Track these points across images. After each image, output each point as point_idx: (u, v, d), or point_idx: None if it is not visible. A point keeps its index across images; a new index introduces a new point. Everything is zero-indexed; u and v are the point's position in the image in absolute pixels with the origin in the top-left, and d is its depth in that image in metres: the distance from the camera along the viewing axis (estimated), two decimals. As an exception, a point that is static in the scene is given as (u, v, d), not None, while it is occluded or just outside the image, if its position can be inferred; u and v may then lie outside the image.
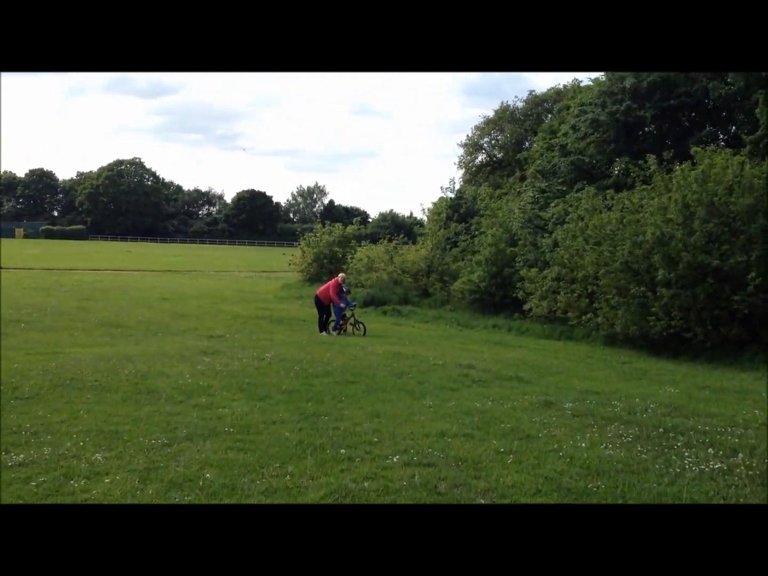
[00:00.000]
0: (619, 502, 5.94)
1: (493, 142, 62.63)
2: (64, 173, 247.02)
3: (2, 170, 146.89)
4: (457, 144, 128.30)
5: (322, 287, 20.56)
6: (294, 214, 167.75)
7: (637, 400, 10.44)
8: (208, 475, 6.44)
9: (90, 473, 6.50)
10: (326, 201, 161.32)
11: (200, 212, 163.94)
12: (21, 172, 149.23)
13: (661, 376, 13.95)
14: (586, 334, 20.28)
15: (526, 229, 26.33)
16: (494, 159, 61.46)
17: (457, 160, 67.40)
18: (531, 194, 29.53)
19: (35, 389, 10.19)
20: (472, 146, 62.32)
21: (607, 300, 18.95)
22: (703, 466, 6.92)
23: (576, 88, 39.75)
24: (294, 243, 39.32)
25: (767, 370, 14.53)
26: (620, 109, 26.86)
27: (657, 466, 6.93)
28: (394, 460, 7.03)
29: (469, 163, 62.49)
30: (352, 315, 20.05)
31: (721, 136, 27.27)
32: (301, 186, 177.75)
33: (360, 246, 37.89)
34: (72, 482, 6.22)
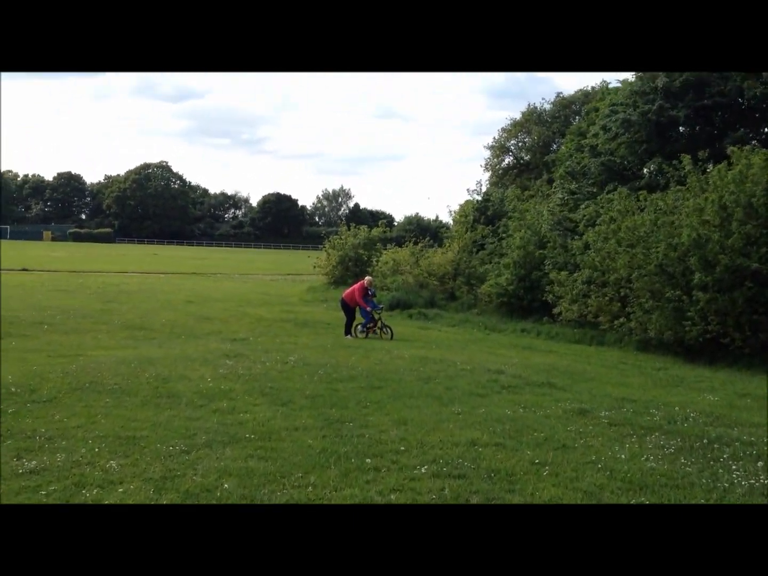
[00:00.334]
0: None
1: (519, 144, 62.21)
2: (92, 177, 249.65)
3: (30, 174, 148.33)
4: (484, 146, 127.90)
5: (348, 290, 20.22)
6: (319, 218, 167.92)
7: (677, 408, 9.98)
8: (226, 485, 6.10)
9: (103, 482, 6.19)
10: (351, 204, 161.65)
11: (226, 216, 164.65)
12: (49, 176, 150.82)
13: (698, 383, 13.45)
14: (618, 339, 19.75)
15: (555, 231, 25.80)
16: (521, 161, 61.00)
17: (483, 162, 66.96)
18: (560, 196, 28.98)
19: (53, 392, 9.93)
20: (498, 148, 61.93)
21: (640, 304, 18.43)
22: (753, 481, 6.48)
23: (605, 90, 39.14)
24: (319, 246, 38.95)
25: (809, 377, 13.98)
26: (652, 108, 26.31)
27: (703, 480, 6.50)
28: (423, 470, 6.66)
29: (496, 165, 62.10)
30: (380, 318, 19.68)
31: (756, 137, 26.58)
32: (326, 189, 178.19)
33: (385, 249, 37.55)
34: (84, 491, 5.91)
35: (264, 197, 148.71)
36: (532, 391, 11.24)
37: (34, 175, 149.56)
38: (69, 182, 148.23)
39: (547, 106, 58.65)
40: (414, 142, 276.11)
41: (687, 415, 9.53)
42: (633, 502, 5.86)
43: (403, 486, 6.20)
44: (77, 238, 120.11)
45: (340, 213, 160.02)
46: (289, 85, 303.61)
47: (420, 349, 16.63)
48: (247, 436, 7.88)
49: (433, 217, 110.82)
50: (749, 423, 9.19)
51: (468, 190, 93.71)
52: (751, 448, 7.72)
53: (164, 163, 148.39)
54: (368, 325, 19.53)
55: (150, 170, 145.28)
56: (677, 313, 17.16)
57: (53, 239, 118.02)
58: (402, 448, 7.48)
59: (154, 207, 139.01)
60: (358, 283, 20.06)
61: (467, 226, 32.12)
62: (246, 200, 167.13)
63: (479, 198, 44.28)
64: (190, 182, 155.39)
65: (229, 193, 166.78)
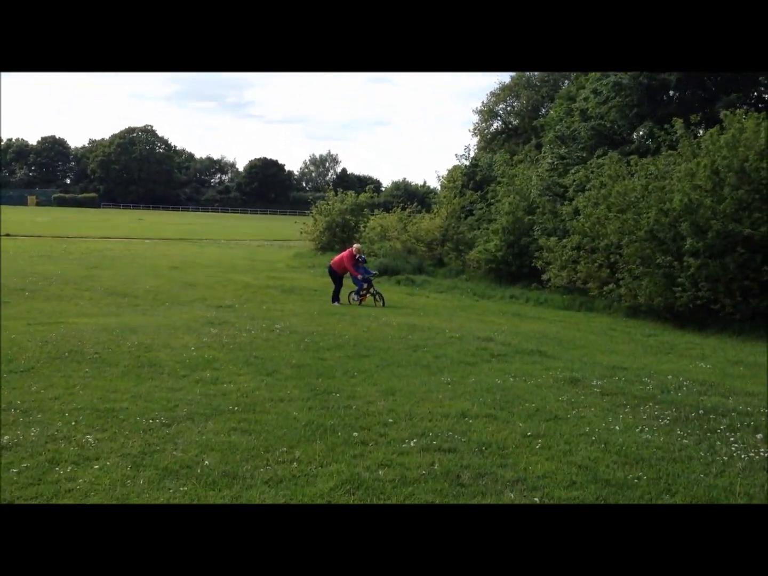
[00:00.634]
0: (665, 496, 5.32)
1: (508, 108, 61.65)
2: (77, 141, 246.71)
3: (13, 138, 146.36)
4: (473, 110, 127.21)
5: (336, 258, 19.91)
6: (306, 183, 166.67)
7: (669, 377, 9.79)
8: (207, 462, 5.85)
9: (79, 458, 5.93)
10: (339, 170, 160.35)
11: (212, 180, 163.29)
12: (33, 140, 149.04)
13: (689, 350, 13.28)
14: (607, 306, 19.59)
15: (544, 197, 25.51)
16: (510, 126, 60.47)
17: (472, 127, 66.29)
18: (549, 161, 28.64)
19: (32, 362, 9.64)
20: (487, 113, 61.35)
21: (630, 270, 18.24)
22: (752, 454, 6.27)
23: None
24: (306, 212, 38.57)
25: (801, 344, 13.86)
26: (643, 72, 25.85)
27: (701, 454, 6.29)
28: (411, 444, 6.43)
29: (484, 130, 61.56)
30: (371, 285, 19.40)
31: (748, 101, 26.23)
32: (313, 155, 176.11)
33: (373, 215, 37.21)
34: (57, 469, 5.65)
35: (250, 162, 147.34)
36: (521, 360, 11.03)
37: (17, 140, 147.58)
38: (53, 146, 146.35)
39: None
40: (403, 106, 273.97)
41: (680, 383, 9.34)
42: (630, 476, 5.65)
43: (392, 461, 5.97)
44: (62, 203, 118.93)
45: (327, 178, 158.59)
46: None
47: (408, 316, 16.40)
48: (231, 408, 7.64)
49: (420, 183, 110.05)
50: (744, 392, 9.01)
51: (456, 155, 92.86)
52: (748, 418, 7.52)
53: (149, 127, 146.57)
54: (361, 292, 19.24)
55: (134, 134, 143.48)
56: (667, 280, 16.99)
57: (38, 204, 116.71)
58: (390, 420, 7.26)
59: (139, 171, 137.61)
60: (347, 251, 19.75)
61: (455, 191, 31.79)
62: (232, 165, 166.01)
63: (467, 163, 43.88)
64: (175, 146, 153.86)
65: (215, 158, 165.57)
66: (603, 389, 8.86)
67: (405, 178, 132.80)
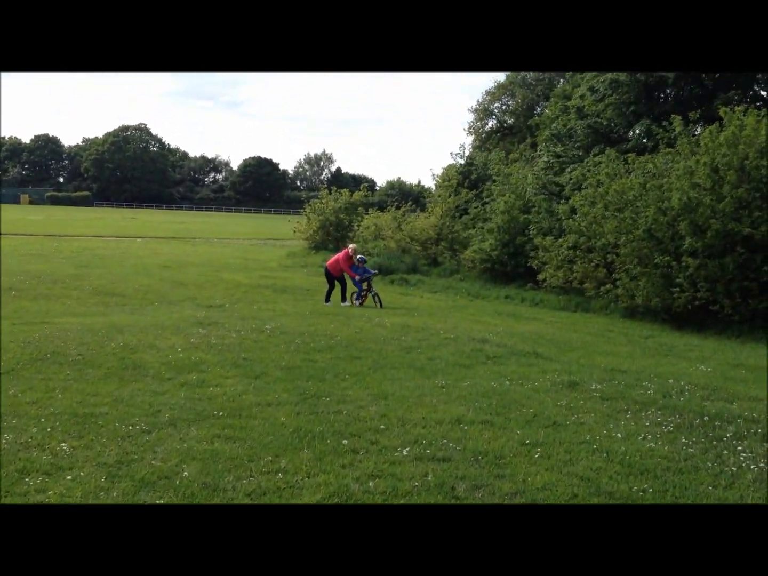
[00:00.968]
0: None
1: (503, 107, 61.29)
2: (70, 139, 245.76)
3: (6, 136, 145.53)
4: (468, 109, 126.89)
5: (332, 259, 19.34)
6: (301, 182, 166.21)
7: (670, 380, 9.48)
8: (186, 473, 5.51)
9: (51, 467, 5.59)
10: (333, 169, 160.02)
11: (207, 180, 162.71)
12: (26, 138, 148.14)
13: (688, 353, 13.01)
14: (603, 306, 19.34)
15: (540, 196, 25.23)
16: (505, 125, 60.15)
17: (467, 126, 66.03)
18: (545, 159, 28.35)
19: (12, 364, 9.29)
20: (482, 112, 61.04)
21: (627, 270, 17.96)
22: (762, 464, 5.95)
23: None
24: (300, 211, 38.12)
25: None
26: (643, 71, 25.52)
27: (708, 464, 5.97)
28: (404, 453, 6.11)
29: (479, 129, 61.24)
30: (370, 286, 18.83)
31: (746, 99, 25.94)
32: (308, 153, 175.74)
33: (367, 214, 36.90)
34: (27, 479, 5.31)
35: (245, 161, 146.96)
36: (518, 362, 10.73)
37: (10, 138, 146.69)
38: (46, 145, 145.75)
39: (532, 69, 57.65)
40: (398, 105, 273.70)
41: (682, 387, 9.04)
42: (635, 488, 5.34)
43: (383, 471, 5.65)
44: (55, 201, 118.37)
45: (321, 177, 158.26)
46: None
47: (402, 316, 16.08)
48: (215, 413, 7.31)
49: (415, 182, 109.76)
50: (747, 396, 8.71)
51: (451, 153, 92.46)
52: (755, 425, 7.21)
53: (143, 126, 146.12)
54: (362, 294, 18.83)
55: (128, 132, 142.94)
56: (665, 280, 16.73)
57: (31, 203, 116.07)
58: (382, 426, 6.94)
59: (133, 170, 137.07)
60: (342, 252, 19.20)
61: (450, 190, 31.49)
62: (227, 164, 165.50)
63: (462, 162, 43.55)
64: (169, 145, 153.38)
65: (209, 157, 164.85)
66: (603, 393, 8.56)
67: (399, 178, 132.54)
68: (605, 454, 6.16)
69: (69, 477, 5.39)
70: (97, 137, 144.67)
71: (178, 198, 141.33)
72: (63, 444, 6.15)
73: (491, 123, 61.38)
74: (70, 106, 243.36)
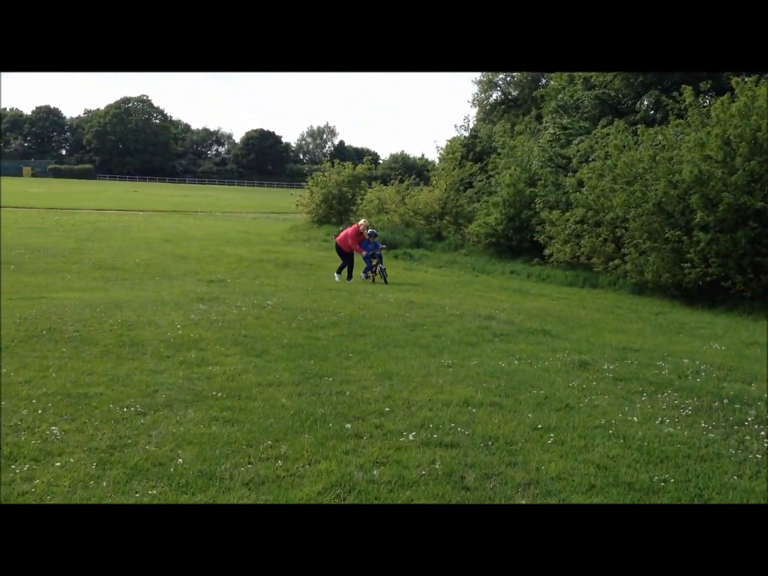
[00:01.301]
0: (696, 502, 4.74)
1: (508, 79, 60.49)
2: (72, 111, 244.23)
3: (8, 108, 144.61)
4: (472, 81, 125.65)
5: (341, 234, 18.89)
6: (304, 155, 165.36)
7: (685, 360, 9.19)
8: (181, 459, 5.23)
9: (40, 453, 5.31)
10: (336, 142, 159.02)
11: (209, 152, 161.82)
12: (27, 110, 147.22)
13: (700, 330, 12.70)
14: (612, 282, 18.98)
15: (546, 168, 24.76)
16: (509, 97, 59.43)
17: (471, 97, 65.30)
18: (552, 131, 27.84)
19: (6, 341, 8.99)
20: (486, 83, 60.25)
21: (636, 245, 17.59)
22: (788, 451, 5.68)
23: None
24: (303, 184, 37.66)
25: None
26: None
27: (731, 451, 5.68)
28: (410, 437, 5.83)
29: (483, 101, 60.53)
30: (380, 261, 18.41)
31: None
32: (311, 126, 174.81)
33: (370, 187, 36.47)
34: (14, 467, 5.03)
35: (247, 133, 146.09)
36: (526, 340, 10.43)
37: (12, 109, 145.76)
38: (48, 116, 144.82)
39: (538, 39, 56.79)
40: (400, 78, 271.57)
41: (697, 367, 8.74)
42: (655, 478, 5.05)
43: (388, 458, 5.37)
44: (57, 174, 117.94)
45: (324, 150, 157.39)
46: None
47: (406, 292, 15.78)
48: (214, 393, 7.03)
49: (419, 155, 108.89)
50: (766, 377, 8.40)
51: (455, 125, 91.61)
52: (776, 408, 6.93)
53: (145, 97, 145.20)
54: (372, 269, 18.47)
55: (130, 104, 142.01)
56: (676, 255, 16.37)
57: (33, 175, 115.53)
58: (387, 408, 6.65)
59: (135, 143, 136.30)
60: (352, 227, 18.78)
61: (454, 163, 31.04)
62: (229, 136, 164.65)
63: (467, 134, 43.01)
64: (171, 117, 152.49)
65: (211, 129, 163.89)
66: (615, 374, 8.26)
67: (403, 151, 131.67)
68: (622, 440, 5.88)
69: (58, 464, 5.12)
70: (98, 109, 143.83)
71: (181, 171, 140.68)
72: (54, 427, 5.88)
73: (495, 95, 60.68)
74: (70, 76, 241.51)
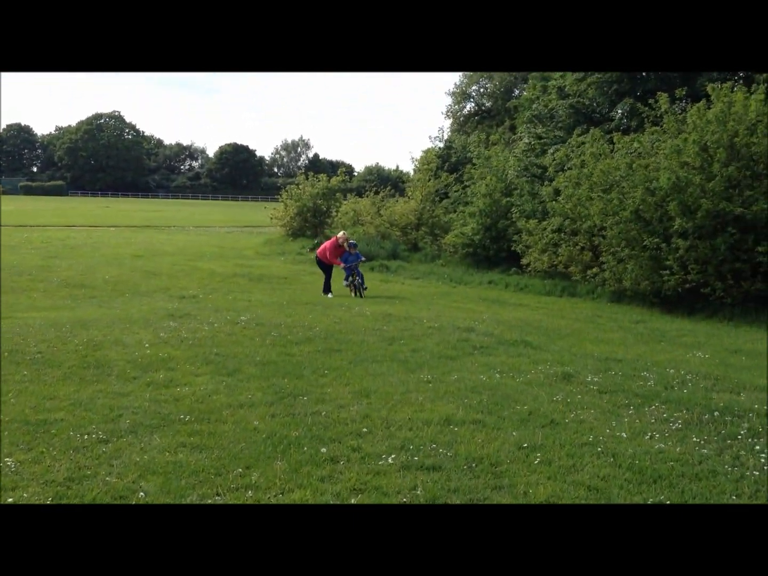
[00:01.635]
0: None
1: (481, 90, 60.70)
2: (43, 128, 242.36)
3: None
4: (445, 92, 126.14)
5: (320, 247, 18.42)
6: (278, 169, 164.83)
7: (670, 370, 8.94)
8: (143, 492, 4.86)
9: (-9, 488, 4.94)
10: (311, 155, 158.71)
11: (182, 167, 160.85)
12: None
13: (682, 338, 12.49)
14: (590, 291, 18.82)
15: (522, 178, 24.62)
16: (483, 108, 59.58)
17: (444, 109, 65.41)
18: (526, 140, 27.72)
19: (-36, 365, 8.59)
20: (459, 95, 60.46)
21: (614, 253, 17.41)
22: (786, 466, 5.41)
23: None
24: (278, 197, 37.25)
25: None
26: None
27: (726, 468, 5.39)
28: (389, 460, 5.50)
29: (457, 112, 60.67)
30: (359, 275, 17.69)
31: (732, 76, 25.42)
32: (285, 140, 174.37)
33: (345, 200, 36.20)
34: (-39, 505, 4.66)
35: (221, 148, 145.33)
36: (506, 352, 10.15)
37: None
38: (19, 134, 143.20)
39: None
40: (376, 89, 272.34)
41: (683, 377, 8.50)
42: (650, 501, 4.75)
43: (366, 484, 5.03)
44: (28, 191, 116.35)
45: (299, 164, 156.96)
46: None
47: (383, 304, 15.46)
48: (182, 417, 6.66)
49: (393, 167, 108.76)
50: (754, 386, 8.17)
51: (430, 137, 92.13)
52: (769, 420, 6.67)
53: (117, 113, 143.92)
54: (349, 282, 17.83)
55: (102, 120, 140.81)
56: (654, 262, 16.21)
57: (3, 193, 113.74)
58: (364, 429, 6.32)
59: (107, 158, 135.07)
60: (330, 241, 18.29)
61: (430, 174, 30.87)
62: (203, 151, 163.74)
63: (441, 145, 42.92)
64: (143, 132, 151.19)
65: (184, 144, 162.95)
66: (600, 386, 7.99)
67: (378, 163, 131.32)
68: (612, 458, 5.58)
69: (10, 499, 4.73)
70: (70, 125, 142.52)
71: (154, 186, 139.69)
72: (8, 459, 5.48)
73: (469, 106, 60.84)
74: (42, 93, 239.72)
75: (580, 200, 19.19)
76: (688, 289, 15.67)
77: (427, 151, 36.37)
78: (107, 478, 5.13)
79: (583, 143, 21.50)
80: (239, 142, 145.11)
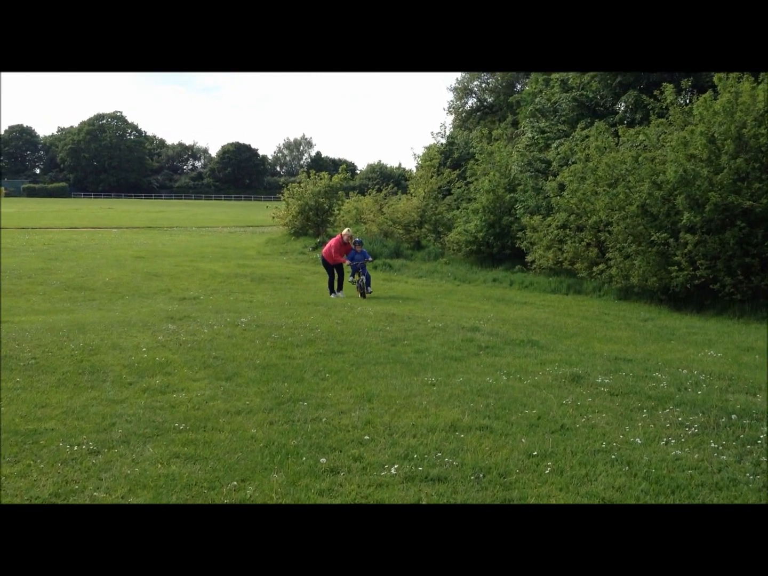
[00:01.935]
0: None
1: (483, 85, 60.30)
2: (45, 129, 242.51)
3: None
4: (447, 88, 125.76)
5: (325, 247, 17.76)
6: (281, 167, 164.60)
7: (683, 370, 8.66)
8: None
9: (-28, 505, 4.69)
10: (313, 153, 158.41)
11: (185, 167, 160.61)
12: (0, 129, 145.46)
13: (692, 336, 12.18)
14: (596, 288, 18.50)
15: (526, 173, 24.32)
16: (485, 103, 59.19)
17: (446, 105, 65.14)
18: (529, 135, 27.40)
19: (-44, 371, 8.35)
20: (461, 90, 60.06)
21: (620, 249, 17.10)
22: (810, 474, 5.13)
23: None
24: (280, 196, 36.93)
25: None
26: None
27: (747, 476, 5.10)
28: (392, 471, 5.23)
29: (459, 108, 60.29)
30: (364, 272, 17.08)
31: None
32: (287, 138, 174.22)
33: (348, 198, 35.91)
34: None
35: (223, 147, 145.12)
36: (512, 352, 9.87)
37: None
38: (21, 135, 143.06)
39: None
40: (378, 85, 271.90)
41: (696, 378, 8.21)
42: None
43: (368, 497, 4.77)
44: (31, 193, 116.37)
45: (301, 162, 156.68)
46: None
47: (386, 304, 15.20)
48: (177, 425, 6.41)
49: (396, 165, 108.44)
50: (771, 388, 7.89)
51: (432, 133, 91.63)
52: (789, 423, 6.38)
53: (118, 113, 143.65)
54: (354, 279, 17.28)
55: (104, 121, 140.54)
56: (662, 258, 15.90)
57: (7, 195, 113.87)
58: (366, 436, 6.06)
59: (110, 159, 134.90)
60: (335, 239, 17.60)
61: (432, 170, 30.57)
62: (205, 150, 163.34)
63: (444, 141, 42.63)
64: (145, 132, 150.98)
65: (187, 144, 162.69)
66: (611, 388, 7.71)
67: (380, 161, 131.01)
68: (627, 467, 5.30)
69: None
70: (72, 126, 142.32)
71: (157, 187, 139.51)
72: (-7, 473, 5.24)
73: (471, 102, 60.45)
74: (43, 93, 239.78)
75: (585, 195, 18.89)
76: (697, 286, 15.38)
77: (429, 148, 36.14)
78: (95, 493, 4.88)
79: (588, 137, 21.19)
80: (241, 141, 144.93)
